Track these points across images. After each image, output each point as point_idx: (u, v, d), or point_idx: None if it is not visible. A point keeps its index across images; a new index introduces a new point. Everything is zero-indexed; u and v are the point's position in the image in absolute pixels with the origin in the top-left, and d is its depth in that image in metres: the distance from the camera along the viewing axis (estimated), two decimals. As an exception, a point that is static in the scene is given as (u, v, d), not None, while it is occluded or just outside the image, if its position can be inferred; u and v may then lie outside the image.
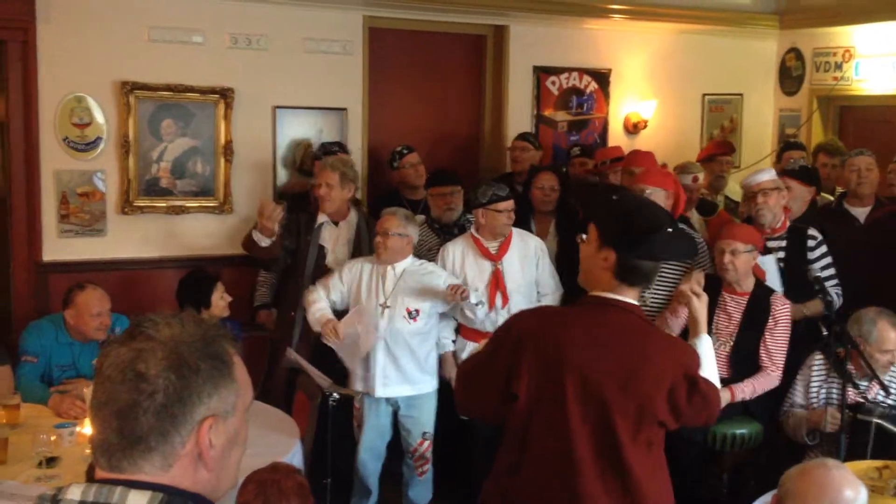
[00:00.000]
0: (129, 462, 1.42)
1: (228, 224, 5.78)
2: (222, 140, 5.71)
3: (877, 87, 6.99)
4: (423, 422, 4.54)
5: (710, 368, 2.74)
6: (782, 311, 4.46)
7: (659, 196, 4.68)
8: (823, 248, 4.74)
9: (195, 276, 4.84)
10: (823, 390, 4.15)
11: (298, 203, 5.44)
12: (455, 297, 4.33)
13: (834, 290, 4.65)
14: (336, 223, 5.00)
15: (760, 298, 4.48)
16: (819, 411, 4.06)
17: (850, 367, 3.99)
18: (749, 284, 4.53)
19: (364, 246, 4.93)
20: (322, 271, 4.85)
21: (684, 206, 5.01)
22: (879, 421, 3.82)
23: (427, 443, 4.55)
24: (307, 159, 5.87)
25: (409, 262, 4.52)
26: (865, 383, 4.02)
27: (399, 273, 4.49)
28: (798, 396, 4.23)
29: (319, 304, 4.51)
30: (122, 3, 5.45)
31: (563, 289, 4.82)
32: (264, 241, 4.80)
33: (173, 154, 5.63)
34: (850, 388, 3.97)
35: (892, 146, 6.79)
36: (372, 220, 5.12)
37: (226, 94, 5.68)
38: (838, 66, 7.25)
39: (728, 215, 5.83)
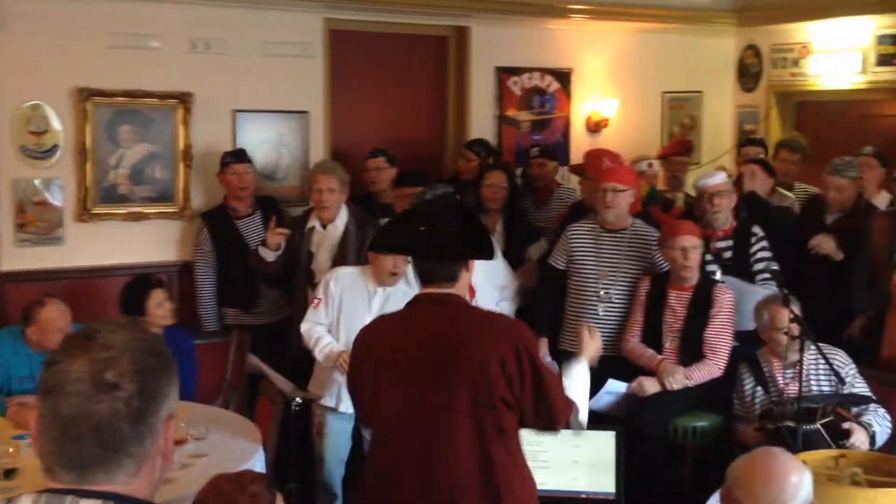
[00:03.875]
0: (105, 473, 1.41)
1: (187, 230, 5.74)
2: (181, 145, 5.67)
3: (833, 82, 7.08)
4: None
5: (579, 388, 2.89)
6: (725, 300, 4.54)
7: (626, 194, 4.75)
8: (763, 244, 4.83)
9: (131, 285, 4.78)
10: (757, 398, 4.21)
11: (216, 218, 5.51)
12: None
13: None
14: (325, 226, 4.99)
15: (704, 290, 4.57)
16: (741, 429, 4.15)
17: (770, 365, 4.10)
18: (696, 278, 4.61)
19: (350, 250, 4.91)
20: (310, 277, 4.83)
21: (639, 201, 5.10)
22: (792, 424, 3.81)
23: None
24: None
25: (401, 284, 4.31)
26: (791, 372, 4.07)
27: (387, 293, 4.33)
28: (736, 407, 4.31)
29: (323, 338, 4.31)
30: (79, 9, 5.39)
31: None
32: (270, 256, 4.85)
33: (131, 160, 5.58)
34: (762, 393, 4.12)
35: (849, 140, 6.89)
36: (367, 218, 5.11)
37: (184, 99, 5.64)
38: (795, 63, 7.34)
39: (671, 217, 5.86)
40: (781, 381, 4.15)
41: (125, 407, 1.40)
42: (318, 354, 4.30)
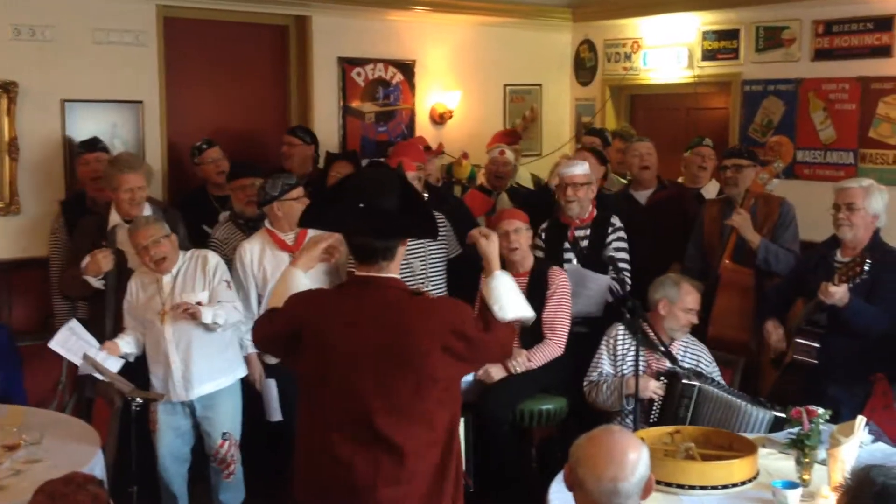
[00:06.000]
0: None
1: (15, 225, 5.43)
2: (6, 137, 5.36)
3: (663, 77, 7.41)
4: (221, 422, 4.40)
5: (507, 300, 2.84)
6: (560, 281, 4.67)
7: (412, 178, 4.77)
8: (619, 234, 4.98)
9: None
10: (629, 359, 4.34)
11: (74, 207, 5.18)
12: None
13: (626, 271, 4.88)
14: (129, 221, 4.78)
15: (539, 273, 4.69)
16: (633, 378, 4.25)
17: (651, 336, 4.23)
18: (528, 263, 4.73)
19: None
20: (127, 275, 4.64)
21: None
22: (698, 384, 4.03)
23: (228, 443, 4.41)
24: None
25: (180, 259, 4.36)
26: (661, 351, 4.25)
27: (174, 273, 4.34)
28: (606, 366, 4.38)
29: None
30: None
31: None
32: (97, 283, 4.57)
33: (-49, 154, 5.24)
34: (656, 356, 4.24)
35: (679, 132, 7.25)
36: (173, 212, 4.94)
37: (8, 89, 5.34)
38: (627, 57, 7.64)
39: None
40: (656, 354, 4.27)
41: None
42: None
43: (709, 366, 4.29)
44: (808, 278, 4.28)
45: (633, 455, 2.21)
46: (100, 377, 4.13)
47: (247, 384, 4.58)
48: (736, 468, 3.22)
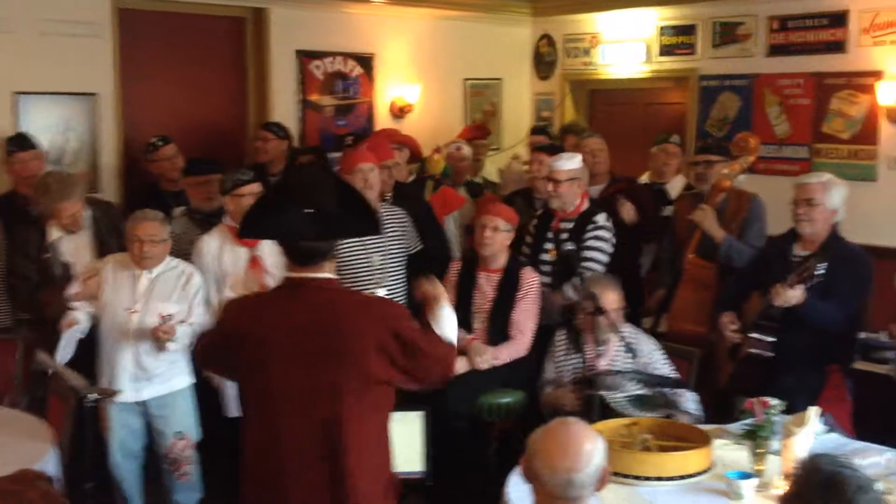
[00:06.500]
0: None
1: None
2: (-45, 129, 5.26)
3: (621, 71, 7.47)
4: (175, 422, 4.34)
5: (449, 327, 2.96)
6: (531, 282, 4.68)
7: (375, 175, 4.75)
8: (598, 233, 4.85)
9: None
10: (568, 365, 4.35)
11: (4, 206, 5.04)
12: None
13: (591, 269, 4.83)
14: (73, 232, 4.71)
15: (512, 272, 4.69)
16: (558, 392, 4.28)
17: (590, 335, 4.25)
18: (502, 261, 4.73)
19: (111, 243, 4.67)
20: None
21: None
22: (602, 394, 3.98)
23: (182, 443, 4.35)
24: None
25: (164, 264, 4.32)
26: (603, 348, 4.26)
27: (154, 276, 4.30)
28: (548, 373, 4.42)
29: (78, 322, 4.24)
30: None
31: None
32: (83, 317, 4.37)
33: None
34: (576, 360, 4.25)
35: (638, 126, 7.31)
36: (114, 209, 4.86)
37: (-42, 80, 5.25)
38: (586, 52, 7.69)
39: (493, 196, 6.05)
40: (592, 355, 4.29)
41: None
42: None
43: (653, 352, 4.28)
44: (766, 272, 4.31)
45: (588, 447, 2.22)
46: (59, 368, 4.06)
47: (207, 380, 4.54)
48: (691, 459, 3.25)
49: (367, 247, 4.69)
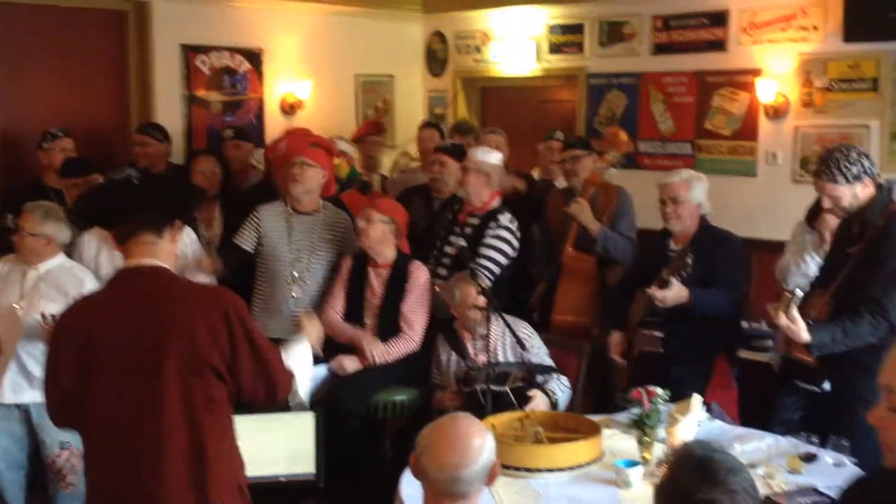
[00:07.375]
0: None
1: None
2: None
3: (511, 69, 7.53)
4: (58, 431, 4.18)
5: (297, 366, 3.00)
6: (420, 277, 4.67)
7: (315, 171, 4.76)
8: (497, 232, 4.80)
9: None
10: (452, 367, 4.37)
11: None
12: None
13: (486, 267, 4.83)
14: None
15: (400, 267, 4.68)
16: (442, 395, 4.29)
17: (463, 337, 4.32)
18: (390, 255, 4.70)
19: None
20: None
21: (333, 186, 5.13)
22: (485, 386, 3.95)
23: (66, 453, 4.18)
24: None
25: (56, 262, 4.17)
26: (481, 344, 4.22)
27: (42, 273, 4.12)
28: (434, 376, 4.44)
29: None
30: None
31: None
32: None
33: None
34: (457, 361, 4.30)
35: (529, 124, 7.38)
36: None
37: None
38: (477, 49, 7.73)
39: (380, 194, 5.99)
40: (472, 352, 4.32)
41: None
42: None
43: (529, 338, 4.27)
44: (648, 269, 4.41)
45: (476, 441, 2.21)
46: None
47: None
48: (581, 449, 3.30)
49: (293, 244, 4.72)
